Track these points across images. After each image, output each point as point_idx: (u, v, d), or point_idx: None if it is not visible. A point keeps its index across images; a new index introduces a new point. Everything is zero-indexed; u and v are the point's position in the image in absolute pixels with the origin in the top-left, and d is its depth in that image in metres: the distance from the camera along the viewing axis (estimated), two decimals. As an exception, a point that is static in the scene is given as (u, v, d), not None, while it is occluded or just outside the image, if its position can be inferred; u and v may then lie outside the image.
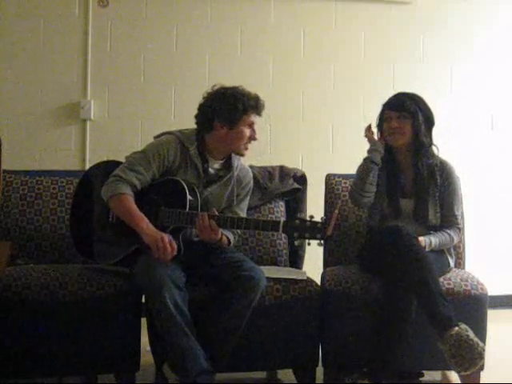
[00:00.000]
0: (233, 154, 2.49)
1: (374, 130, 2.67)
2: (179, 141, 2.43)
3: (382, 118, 2.64)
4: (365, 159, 2.60)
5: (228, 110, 2.38)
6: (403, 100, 2.58)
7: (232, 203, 2.51)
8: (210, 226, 2.25)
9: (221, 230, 2.33)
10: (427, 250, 2.43)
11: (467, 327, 2.17)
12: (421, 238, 2.43)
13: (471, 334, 2.15)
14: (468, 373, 2.14)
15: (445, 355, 2.16)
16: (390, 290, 2.32)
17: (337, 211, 2.21)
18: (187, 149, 2.41)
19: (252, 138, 2.43)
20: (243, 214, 2.55)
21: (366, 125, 2.68)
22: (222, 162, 2.50)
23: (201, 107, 2.47)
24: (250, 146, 2.47)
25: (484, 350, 2.15)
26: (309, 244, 2.20)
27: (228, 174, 2.49)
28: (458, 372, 2.16)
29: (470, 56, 4.02)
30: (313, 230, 2.16)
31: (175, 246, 2.22)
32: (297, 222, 2.18)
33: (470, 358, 2.11)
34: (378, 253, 2.40)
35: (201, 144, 2.44)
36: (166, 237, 2.21)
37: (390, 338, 2.29)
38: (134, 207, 2.28)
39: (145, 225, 2.24)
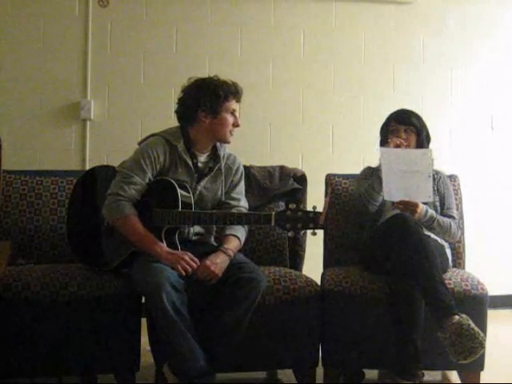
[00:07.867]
0: (218, 145, 2.49)
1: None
2: (166, 140, 2.41)
3: (388, 130, 2.73)
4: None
5: (210, 98, 2.39)
6: (409, 115, 2.74)
7: (228, 191, 2.51)
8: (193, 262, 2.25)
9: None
10: (423, 216, 2.53)
11: (468, 317, 2.17)
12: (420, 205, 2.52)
13: (472, 324, 2.15)
14: (467, 361, 2.14)
15: (444, 343, 2.16)
16: (397, 279, 2.32)
17: (327, 199, 2.20)
18: (175, 146, 2.40)
19: (235, 124, 2.44)
20: (242, 198, 2.54)
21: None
22: (207, 154, 2.49)
23: (181, 100, 2.47)
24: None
25: (485, 340, 2.15)
26: (304, 234, 2.20)
27: (216, 164, 2.48)
28: (457, 360, 2.15)
29: (470, 56, 4.02)
30: (305, 220, 2.15)
31: (197, 260, 2.23)
32: (288, 213, 2.17)
33: (470, 347, 2.11)
34: (384, 241, 2.41)
35: (187, 139, 2.44)
36: (186, 255, 2.22)
37: (407, 329, 2.29)
38: (143, 229, 2.27)
39: (159, 248, 2.24)
